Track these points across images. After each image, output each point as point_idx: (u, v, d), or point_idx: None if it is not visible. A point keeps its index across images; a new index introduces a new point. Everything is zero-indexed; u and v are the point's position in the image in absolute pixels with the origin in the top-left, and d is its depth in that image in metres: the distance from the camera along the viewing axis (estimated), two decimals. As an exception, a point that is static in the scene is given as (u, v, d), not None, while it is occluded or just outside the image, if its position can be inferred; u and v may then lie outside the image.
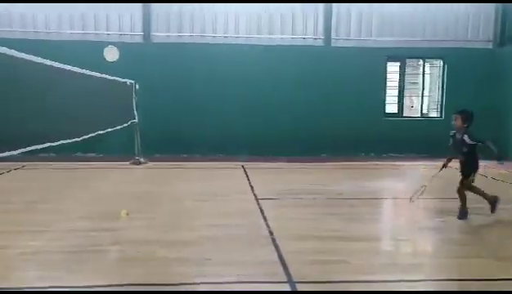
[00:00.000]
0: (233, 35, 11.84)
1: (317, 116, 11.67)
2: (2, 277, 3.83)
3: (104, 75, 8.36)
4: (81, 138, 6.79)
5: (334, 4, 11.84)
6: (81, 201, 6.61)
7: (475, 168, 6.02)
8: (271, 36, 11.90)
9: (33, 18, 11.37)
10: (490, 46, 12.33)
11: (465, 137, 5.89)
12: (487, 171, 9.84)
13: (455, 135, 6.19)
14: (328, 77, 11.62)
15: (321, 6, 11.88)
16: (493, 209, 6.06)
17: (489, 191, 6.61)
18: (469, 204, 6.70)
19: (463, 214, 5.93)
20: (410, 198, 6.45)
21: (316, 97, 11.64)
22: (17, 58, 4.79)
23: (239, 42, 11.74)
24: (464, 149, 5.92)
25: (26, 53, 5.10)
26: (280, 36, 11.93)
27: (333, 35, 11.97)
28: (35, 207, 6.17)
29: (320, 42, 12.03)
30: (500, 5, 12.09)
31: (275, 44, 11.80)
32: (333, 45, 12.01)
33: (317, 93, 11.62)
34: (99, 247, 4.60)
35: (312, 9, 11.92)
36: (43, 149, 5.79)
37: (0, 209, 6.04)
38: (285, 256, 4.34)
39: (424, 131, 11.99)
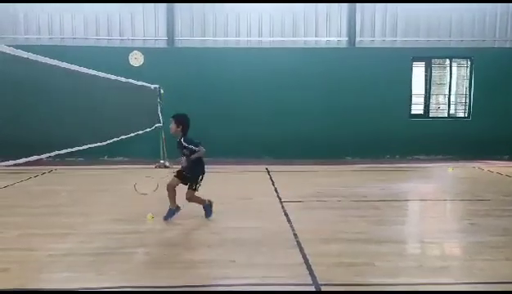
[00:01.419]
0: (256, 38, 11.89)
1: (342, 118, 11.58)
2: (33, 278, 3.93)
3: (129, 80, 8.53)
4: (106, 142, 6.93)
5: (357, 4, 11.75)
6: (107, 204, 6.74)
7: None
8: (294, 38, 11.90)
9: (60, 24, 11.70)
10: (518, 45, 11.98)
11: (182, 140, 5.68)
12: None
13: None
14: (352, 79, 11.53)
15: (344, 6, 11.82)
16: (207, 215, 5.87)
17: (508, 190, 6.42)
18: (498, 206, 6.55)
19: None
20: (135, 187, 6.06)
21: (341, 99, 11.56)
22: (45, 64, 4.93)
23: (262, 46, 11.79)
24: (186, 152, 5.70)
25: (53, 59, 5.24)
26: (304, 38, 11.91)
27: (357, 36, 11.88)
28: (63, 210, 6.30)
29: (344, 44, 11.96)
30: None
31: (298, 46, 11.80)
32: (357, 46, 11.91)
33: (342, 95, 11.55)
34: (126, 249, 4.68)
35: (335, 10, 11.87)
36: (71, 153, 5.94)
37: (29, 212, 6.20)
38: (310, 259, 4.31)
39: (452, 132, 11.76)
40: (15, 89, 10.17)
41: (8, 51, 3.95)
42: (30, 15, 11.63)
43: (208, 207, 5.96)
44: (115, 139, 7.52)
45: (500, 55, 11.73)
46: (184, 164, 5.74)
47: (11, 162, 4.23)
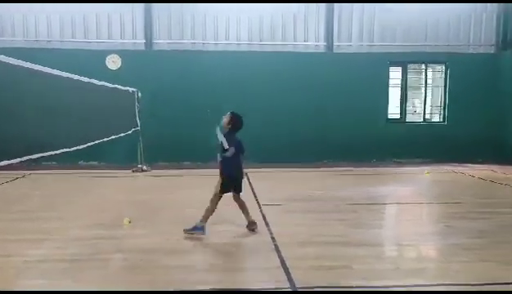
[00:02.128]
0: (235, 42, 11.88)
1: (320, 122, 11.68)
2: (8, 284, 3.83)
3: (106, 83, 8.39)
4: (82, 146, 6.78)
5: (335, 9, 11.89)
6: (84, 209, 6.61)
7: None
8: (272, 42, 11.93)
9: (35, 26, 11.44)
10: (492, 50, 12.31)
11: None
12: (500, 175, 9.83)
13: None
14: (330, 83, 11.64)
15: (322, 11, 11.93)
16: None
17: (497, 195, 6.57)
18: (473, 209, 6.69)
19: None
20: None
21: (319, 103, 11.65)
22: (19, 67, 4.80)
23: (240, 49, 11.79)
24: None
25: (28, 62, 5.11)
26: (282, 43, 11.96)
27: (335, 41, 12.00)
28: (39, 216, 6.17)
29: (322, 48, 12.06)
30: (501, 10, 12.12)
31: (277, 50, 11.84)
32: (335, 51, 12.03)
33: (320, 99, 11.64)
34: (102, 255, 4.59)
35: (313, 15, 11.96)
36: (46, 157, 5.80)
37: (4, 218, 6.06)
38: (288, 262, 4.30)
39: (427, 136, 11.98)
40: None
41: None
42: (5, 16, 11.33)
43: (251, 223, 5.45)
44: (91, 143, 7.37)
45: (474, 60, 12.03)
46: (219, 158, 5.72)
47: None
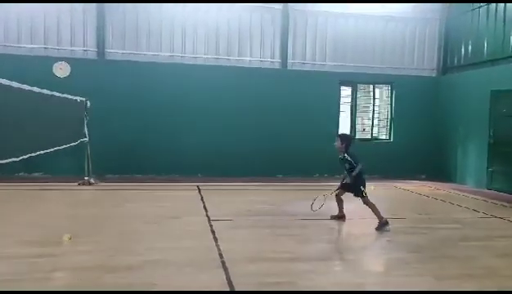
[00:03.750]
0: (191, 55, 11.84)
1: (273, 137, 11.83)
2: None
3: (53, 92, 8.06)
4: (19, 158, 6.42)
5: (290, 28, 12.19)
6: (20, 224, 6.23)
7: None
8: (229, 57, 12.01)
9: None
10: (434, 74, 13.09)
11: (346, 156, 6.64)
12: (433, 191, 10.32)
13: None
14: (284, 99, 11.88)
15: (277, 30, 12.18)
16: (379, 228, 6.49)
17: (436, 211, 6.87)
18: (413, 224, 6.99)
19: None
20: (311, 207, 6.84)
21: (273, 119, 11.82)
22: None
23: (197, 63, 11.77)
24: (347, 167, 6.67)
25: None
26: (238, 58, 12.06)
27: (289, 58, 12.27)
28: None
29: (277, 65, 12.28)
30: (442, 36, 12.95)
31: (232, 65, 11.93)
32: (289, 68, 12.28)
33: (274, 115, 11.83)
34: (37, 274, 4.33)
35: (269, 33, 12.20)
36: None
37: None
38: (234, 279, 4.28)
39: (375, 153, 12.40)
40: None
41: None
42: None
43: (382, 225, 6.42)
44: (33, 154, 7.02)
45: (417, 82, 12.74)
46: (348, 180, 6.64)
47: None
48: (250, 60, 12.16)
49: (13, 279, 4.17)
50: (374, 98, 12.95)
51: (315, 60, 12.47)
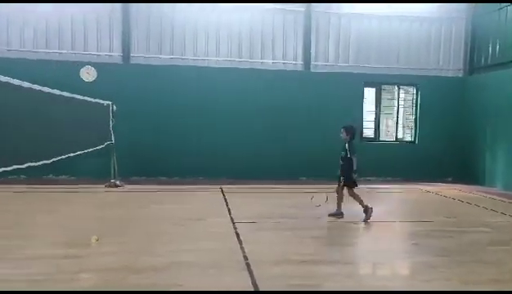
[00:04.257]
0: (214, 58, 11.93)
1: (296, 139, 11.78)
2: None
3: (79, 96, 8.25)
4: (50, 161, 6.58)
5: (312, 29, 12.14)
6: (50, 226, 6.38)
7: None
8: (251, 60, 12.05)
9: (7, 35, 11.15)
10: (460, 74, 12.79)
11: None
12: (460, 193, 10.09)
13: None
14: (307, 102, 11.83)
15: (300, 32, 12.14)
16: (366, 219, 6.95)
17: (464, 214, 6.73)
18: (440, 227, 6.85)
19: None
20: (312, 199, 7.44)
21: (296, 121, 11.78)
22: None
23: (220, 65, 11.84)
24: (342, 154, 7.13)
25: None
26: (261, 60, 12.09)
27: (312, 60, 12.22)
28: (1, 233, 5.88)
29: (299, 67, 12.24)
30: (468, 35, 12.66)
31: (256, 68, 11.97)
32: (312, 70, 12.23)
33: (297, 117, 11.77)
34: (66, 275, 4.41)
35: (291, 35, 12.18)
36: (12, 171, 5.61)
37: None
38: (259, 282, 4.28)
39: (399, 155, 12.25)
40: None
41: None
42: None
43: (367, 212, 6.90)
44: (62, 157, 7.20)
45: (443, 83, 12.49)
46: (340, 164, 7.07)
47: None
48: (273, 63, 12.17)
49: (39, 280, 4.24)
50: (398, 99, 12.75)
51: (338, 62, 12.38)
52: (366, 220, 6.93)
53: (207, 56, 11.93)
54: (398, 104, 12.76)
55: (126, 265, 4.73)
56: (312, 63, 12.25)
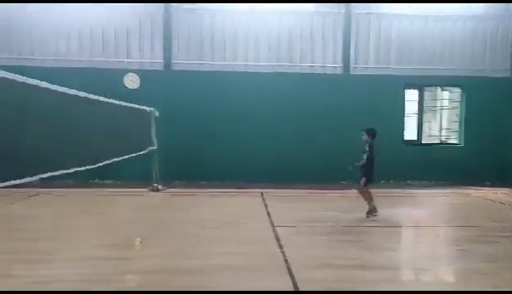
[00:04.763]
0: (253, 63, 12.02)
1: (337, 143, 11.57)
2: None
3: (123, 102, 8.52)
4: (94, 166, 6.81)
5: (352, 31, 12.00)
6: (95, 228, 6.59)
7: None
8: (291, 64, 12.05)
9: (56, 44, 11.63)
10: (508, 74, 12.22)
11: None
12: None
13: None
14: (347, 105, 11.62)
15: (339, 34, 12.03)
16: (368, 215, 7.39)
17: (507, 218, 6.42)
18: (487, 232, 6.57)
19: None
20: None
21: (336, 124, 11.60)
22: (34, 86, 4.87)
23: (259, 70, 11.91)
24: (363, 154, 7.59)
25: (44, 80, 5.20)
26: (300, 64, 12.07)
27: (351, 63, 12.06)
28: (48, 235, 6.12)
29: (339, 70, 12.12)
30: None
31: (295, 71, 11.94)
32: (352, 73, 12.08)
33: (337, 120, 11.57)
34: (110, 276, 4.54)
35: (330, 38, 12.08)
36: (60, 175, 5.82)
37: (16, 236, 6.01)
38: (300, 285, 4.27)
39: (444, 158, 11.84)
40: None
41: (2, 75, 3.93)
42: (24, 35, 11.59)
43: (372, 210, 7.38)
44: (107, 162, 7.46)
45: (490, 83, 11.94)
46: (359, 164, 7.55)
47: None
48: (312, 66, 12.11)
49: (87, 280, 4.40)
50: (442, 101, 12.35)
51: (379, 64, 12.16)
52: (367, 215, 7.40)
53: (246, 61, 12.04)
54: (442, 106, 12.35)
55: (171, 267, 4.85)
56: (352, 65, 12.09)
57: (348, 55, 12.03)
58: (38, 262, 4.93)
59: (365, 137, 7.58)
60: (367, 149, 7.51)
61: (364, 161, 7.47)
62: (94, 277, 4.51)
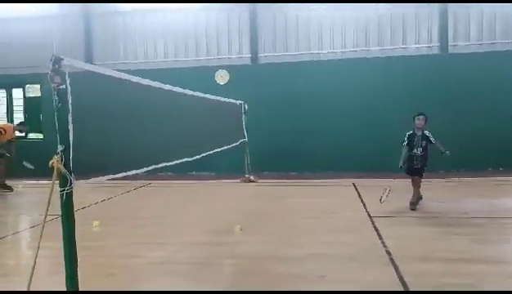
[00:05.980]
0: (340, 50, 11.70)
1: (438, 128, 10.77)
2: (133, 284, 4.16)
3: (216, 97, 8.81)
4: (192, 159, 7.16)
5: (449, 8, 11.08)
6: (198, 216, 7.01)
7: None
8: (380, 47, 11.51)
9: (154, 48, 12.54)
10: None
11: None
12: None
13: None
14: (447, 88, 10.76)
15: (435, 11, 11.19)
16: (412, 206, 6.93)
17: None
18: None
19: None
20: (380, 200, 6.88)
21: (436, 109, 10.72)
22: (138, 86, 5.23)
23: (346, 57, 11.56)
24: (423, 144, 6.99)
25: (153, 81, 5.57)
26: (391, 47, 11.47)
27: (450, 41, 11.14)
28: (158, 222, 6.68)
29: (435, 50, 11.28)
30: None
31: (384, 56, 11.38)
32: (450, 52, 11.17)
33: (437, 105, 10.58)
34: (217, 259, 4.81)
35: (424, 15, 11.29)
36: (163, 168, 6.24)
37: (130, 223, 6.66)
38: (406, 278, 4.02)
39: None
40: (111, 111, 10.95)
41: (119, 76, 4.34)
42: (127, 43, 12.63)
43: (416, 200, 7.01)
44: (204, 154, 7.77)
45: None
46: (418, 164, 7.07)
47: (111, 176, 4.50)
48: (404, 48, 11.42)
49: (198, 263, 4.71)
50: None
51: (481, 40, 11.07)
52: (411, 203, 6.98)
53: (332, 49, 11.75)
54: None
55: (269, 254, 4.91)
56: (450, 44, 11.15)
57: (446, 33, 11.15)
58: (153, 245, 5.37)
59: (421, 122, 7.00)
60: (426, 136, 6.96)
61: (422, 153, 7.01)
62: (204, 259, 4.80)
